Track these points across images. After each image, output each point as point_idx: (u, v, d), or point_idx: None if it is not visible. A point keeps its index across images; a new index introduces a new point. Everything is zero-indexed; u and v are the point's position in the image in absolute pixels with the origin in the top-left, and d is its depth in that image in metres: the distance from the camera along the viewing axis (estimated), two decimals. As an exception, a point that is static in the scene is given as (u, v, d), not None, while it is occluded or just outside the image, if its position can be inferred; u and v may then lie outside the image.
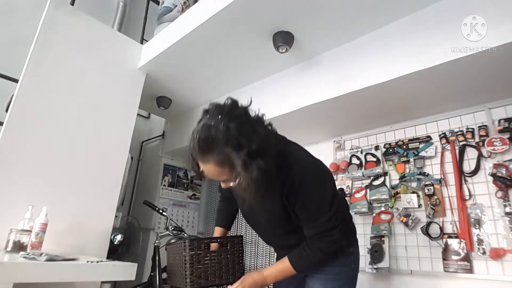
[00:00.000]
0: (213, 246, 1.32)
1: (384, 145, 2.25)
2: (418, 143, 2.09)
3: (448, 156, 1.95)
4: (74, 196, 1.89)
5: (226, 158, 0.91)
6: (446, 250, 1.80)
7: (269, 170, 0.93)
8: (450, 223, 1.83)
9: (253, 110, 1.02)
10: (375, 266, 2.00)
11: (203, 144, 0.92)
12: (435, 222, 1.88)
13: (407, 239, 1.98)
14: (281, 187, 1.04)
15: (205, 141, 0.91)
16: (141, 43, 2.64)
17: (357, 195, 2.27)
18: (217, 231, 1.44)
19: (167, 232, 2.26)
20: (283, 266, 1.12)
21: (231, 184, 0.99)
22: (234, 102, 0.99)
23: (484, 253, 1.67)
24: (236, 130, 0.90)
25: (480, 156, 1.83)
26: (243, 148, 0.90)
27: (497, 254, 1.63)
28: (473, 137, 1.88)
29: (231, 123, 0.91)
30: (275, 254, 1.48)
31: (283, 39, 1.89)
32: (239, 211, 1.37)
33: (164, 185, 3.32)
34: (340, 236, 1.09)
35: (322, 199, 1.06)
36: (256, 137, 0.92)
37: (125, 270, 1.28)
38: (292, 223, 1.12)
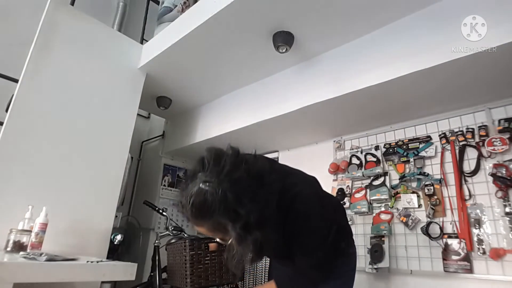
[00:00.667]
0: (213, 246, 1.32)
1: (384, 145, 2.25)
2: (418, 143, 2.09)
3: (448, 156, 1.95)
4: (74, 196, 1.89)
5: (221, 226, 0.84)
6: (446, 250, 1.80)
7: (267, 240, 0.86)
8: (450, 223, 1.83)
9: (258, 159, 0.92)
10: (375, 266, 2.00)
11: (197, 211, 0.83)
12: (435, 222, 1.88)
13: (407, 239, 1.98)
14: (282, 220, 0.99)
15: (200, 208, 0.82)
16: (141, 43, 2.64)
17: (357, 195, 2.27)
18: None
19: (167, 232, 2.26)
20: None
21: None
22: (236, 159, 0.86)
23: (484, 253, 1.67)
24: (234, 199, 0.80)
25: (480, 156, 1.83)
26: (239, 220, 0.81)
27: (497, 254, 1.63)
28: (473, 137, 1.88)
29: (229, 189, 0.80)
30: None
31: (283, 39, 1.89)
32: None
33: (164, 185, 3.31)
34: (329, 268, 1.08)
35: (318, 235, 1.03)
36: (256, 206, 0.82)
37: (125, 270, 1.28)
38: (286, 252, 1.09)
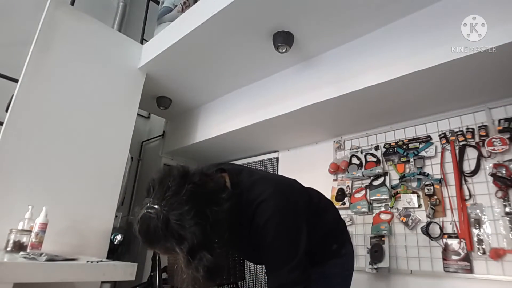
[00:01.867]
0: None
1: (384, 145, 2.25)
2: (418, 143, 2.09)
3: (448, 156, 1.95)
4: (74, 196, 1.89)
5: (171, 249, 0.83)
6: (446, 250, 1.80)
7: (216, 264, 0.82)
8: (450, 223, 1.83)
9: (206, 173, 0.90)
10: (375, 266, 2.00)
11: (143, 237, 0.83)
12: (435, 222, 1.88)
13: (407, 239, 1.98)
14: (248, 228, 0.96)
15: (145, 235, 0.82)
16: (141, 43, 2.64)
17: (357, 195, 2.27)
18: None
19: (167, 232, 2.25)
20: None
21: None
22: (181, 180, 0.84)
23: (484, 253, 1.67)
24: (177, 222, 0.78)
25: (480, 156, 1.83)
26: (184, 244, 0.79)
27: (497, 254, 1.63)
28: (473, 137, 1.88)
29: (171, 213, 0.79)
30: None
31: (283, 39, 1.89)
32: None
33: (164, 185, 3.31)
34: (304, 284, 0.95)
35: (285, 247, 0.94)
36: (201, 229, 0.79)
37: (125, 270, 1.28)
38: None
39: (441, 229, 1.85)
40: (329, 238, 1.18)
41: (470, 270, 1.69)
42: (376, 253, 2.03)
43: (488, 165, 1.78)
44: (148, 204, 0.81)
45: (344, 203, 2.29)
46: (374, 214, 2.16)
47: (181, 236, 0.79)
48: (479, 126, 1.87)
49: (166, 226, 0.78)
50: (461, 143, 1.91)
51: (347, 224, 2.24)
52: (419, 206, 1.98)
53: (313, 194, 1.23)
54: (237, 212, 0.91)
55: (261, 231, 0.93)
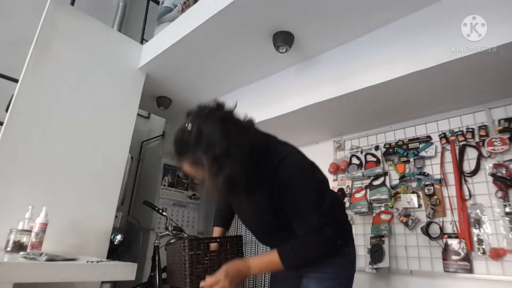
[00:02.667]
0: (213, 246, 1.32)
1: (384, 145, 2.25)
2: (418, 143, 2.09)
3: (448, 156, 1.95)
4: (74, 196, 1.89)
5: (197, 159, 0.95)
6: (446, 250, 1.80)
7: (238, 174, 0.94)
8: (450, 223, 1.83)
9: (238, 114, 1.04)
10: (375, 266, 2.00)
11: (177, 147, 0.98)
12: (435, 222, 1.88)
13: (407, 239, 1.98)
14: (271, 185, 1.03)
15: (179, 143, 0.98)
16: (141, 43, 2.64)
17: (357, 195, 2.27)
18: (216, 231, 1.44)
19: (167, 232, 2.26)
20: (271, 259, 1.06)
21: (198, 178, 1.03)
22: (216, 106, 1.01)
23: (484, 253, 1.67)
24: (207, 133, 0.93)
25: (480, 156, 1.83)
26: (211, 151, 0.92)
27: (497, 254, 1.63)
28: (473, 137, 1.88)
29: (204, 126, 0.94)
30: None
31: (283, 39, 1.89)
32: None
33: (164, 185, 3.32)
34: (334, 235, 1.05)
35: (313, 195, 1.05)
36: (226, 141, 0.92)
37: (125, 270, 1.28)
38: (281, 222, 1.10)
39: (441, 229, 1.85)
40: (336, 230, 1.13)
41: (470, 270, 1.69)
42: (376, 253, 2.03)
43: (488, 165, 1.78)
44: (186, 120, 0.98)
45: (344, 203, 2.29)
46: (374, 214, 2.16)
47: (209, 144, 0.92)
48: (479, 126, 1.87)
49: (198, 135, 0.93)
50: (461, 143, 1.91)
51: (347, 224, 2.25)
52: (419, 206, 1.98)
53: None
54: (258, 157, 1.01)
55: (286, 184, 1.00)
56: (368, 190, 2.23)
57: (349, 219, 1.33)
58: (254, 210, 1.16)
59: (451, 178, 1.90)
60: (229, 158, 0.92)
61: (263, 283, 2.73)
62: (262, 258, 1.11)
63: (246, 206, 1.19)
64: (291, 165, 1.04)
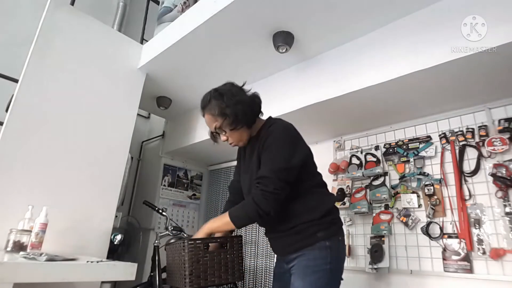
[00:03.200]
0: (213, 246, 1.32)
1: (384, 145, 2.25)
2: (418, 143, 2.09)
3: (448, 156, 1.95)
4: (74, 196, 1.89)
5: (214, 106, 1.30)
6: (446, 250, 1.80)
7: (242, 114, 1.28)
8: (450, 223, 1.83)
9: (244, 89, 1.37)
10: (375, 266, 2.00)
11: (202, 102, 1.35)
12: (435, 222, 1.88)
13: (407, 239, 1.98)
14: (259, 145, 1.28)
15: (203, 100, 1.35)
16: (141, 43, 2.64)
17: (357, 195, 2.27)
18: None
19: (167, 232, 2.26)
20: (224, 216, 1.24)
21: (223, 136, 1.34)
22: (231, 84, 1.39)
23: (484, 253, 1.67)
24: (220, 92, 1.32)
25: (480, 156, 1.83)
26: (223, 99, 1.29)
27: (497, 254, 1.63)
28: (473, 137, 1.88)
29: (220, 89, 1.34)
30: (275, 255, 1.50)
31: (283, 39, 1.89)
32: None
33: (164, 185, 3.32)
34: (275, 197, 1.17)
35: (282, 151, 1.22)
36: (234, 97, 1.30)
37: (125, 270, 1.28)
38: None
39: (441, 229, 1.85)
40: (316, 223, 1.25)
41: (470, 270, 1.69)
42: (376, 253, 2.03)
43: (488, 165, 1.78)
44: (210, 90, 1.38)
45: (344, 203, 2.29)
46: (374, 214, 2.16)
47: (222, 96, 1.30)
48: (479, 126, 1.87)
49: (214, 93, 1.33)
50: (461, 143, 1.91)
51: (347, 223, 2.25)
52: (419, 206, 1.98)
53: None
54: (256, 113, 1.37)
55: (267, 137, 1.25)
56: (368, 190, 2.23)
57: (336, 218, 1.34)
58: (250, 174, 1.32)
59: (451, 178, 1.90)
60: (236, 103, 1.28)
61: (263, 283, 2.73)
62: (220, 217, 1.28)
63: (246, 175, 1.38)
64: (279, 124, 1.32)
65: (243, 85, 1.39)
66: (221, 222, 1.25)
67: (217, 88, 1.37)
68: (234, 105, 1.28)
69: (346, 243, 2.21)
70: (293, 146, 1.27)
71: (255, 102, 1.35)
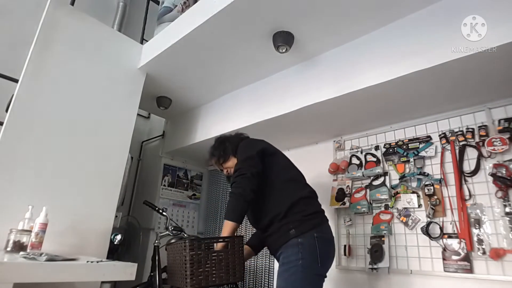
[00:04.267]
0: (219, 246, 1.33)
1: (384, 145, 2.25)
2: (418, 143, 2.09)
3: (448, 156, 1.95)
4: (74, 196, 1.89)
5: (218, 154, 1.72)
6: (446, 250, 1.80)
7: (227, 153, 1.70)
8: (450, 223, 1.83)
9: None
10: (375, 266, 2.00)
11: (209, 154, 1.79)
12: (435, 222, 1.88)
13: (407, 239, 1.98)
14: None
15: (209, 152, 1.79)
16: (141, 43, 2.64)
17: (357, 195, 2.27)
18: (245, 248, 1.60)
19: (167, 232, 2.25)
20: (225, 222, 1.39)
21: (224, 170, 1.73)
22: (221, 136, 1.85)
23: (484, 253, 1.67)
24: (214, 146, 1.78)
25: (480, 156, 1.83)
26: (221, 151, 1.72)
27: (497, 254, 1.63)
28: (473, 137, 1.88)
29: (224, 138, 1.80)
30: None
31: (283, 39, 1.89)
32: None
33: (164, 185, 3.32)
34: (244, 179, 1.40)
35: (244, 152, 1.56)
36: (223, 146, 1.74)
37: (125, 270, 1.28)
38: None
39: (441, 229, 1.85)
40: (290, 215, 1.38)
41: (470, 270, 1.69)
42: (376, 253, 2.03)
43: (488, 165, 1.78)
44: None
45: (344, 203, 2.29)
46: (374, 214, 2.16)
47: (215, 149, 1.75)
48: (479, 126, 1.87)
49: (213, 147, 1.76)
50: (461, 143, 1.91)
51: (347, 223, 2.25)
52: (419, 206, 1.98)
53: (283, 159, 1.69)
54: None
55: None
56: (368, 190, 2.23)
57: (309, 213, 1.41)
58: None
59: (451, 178, 1.91)
60: (226, 153, 1.71)
61: (262, 283, 2.73)
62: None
63: None
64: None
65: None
66: (224, 227, 1.37)
67: (222, 139, 1.82)
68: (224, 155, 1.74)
69: (346, 243, 2.21)
70: (251, 146, 1.60)
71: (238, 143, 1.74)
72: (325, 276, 1.38)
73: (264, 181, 1.46)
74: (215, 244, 1.33)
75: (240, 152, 1.59)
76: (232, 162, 1.65)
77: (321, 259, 1.32)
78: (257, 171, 1.43)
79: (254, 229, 1.68)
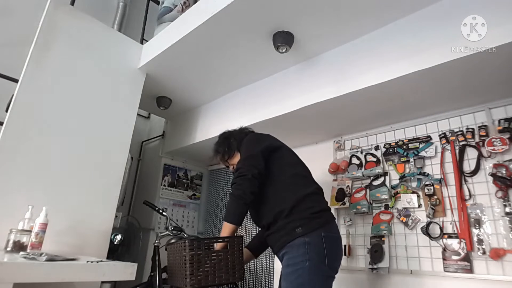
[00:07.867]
0: (219, 246, 1.33)
1: (384, 145, 2.25)
2: (418, 143, 2.09)
3: (448, 156, 1.95)
4: (74, 196, 1.89)
5: (223, 149, 1.69)
6: (446, 250, 1.80)
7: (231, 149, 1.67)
8: (450, 223, 1.83)
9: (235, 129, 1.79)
10: (375, 266, 2.00)
11: (213, 151, 1.76)
12: (435, 222, 1.88)
13: (407, 239, 1.98)
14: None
15: (213, 149, 1.76)
16: (141, 43, 2.64)
17: (357, 195, 2.27)
18: (245, 251, 1.58)
19: (167, 232, 2.25)
20: (223, 223, 1.38)
21: (230, 166, 1.71)
22: (225, 131, 1.81)
23: (484, 253, 1.67)
24: (218, 142, 1.76)
25: (480, 156, 1.83)
26: (225, 148, 1.70)
27: (497, 254, 1.63)
28: (473, 137, 1.88)
29: (227, 134, 1.76)
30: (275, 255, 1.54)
31: (283, 39, 1.89)
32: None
33: (164, 185, 3.32)
34: (245, 181, 1.36)
35: (246, 149, 1.53)
36: (232, 145, 1.68)
37: (125, 270, 1.28)
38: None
39: (441, 229, 1.85)
40: (295, 213, 1.33)
41: (470, 270, 1.70)
42: (376, 253, 2.03)
43: (488, 165, 1.78)
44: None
45: (344, 203, 2.29)
46: (374, 214, 2.16)
47: (219, 145, 1.74)
48: (479, 126, 1.87)
49: (217, 144, 1.74)
50: (461, 143, 1.91)
51: (347, 223, 2.25)
52: (419, 206, 1.98)
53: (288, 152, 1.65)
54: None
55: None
56: (368, 190, 2.23)
57: (316, 211, 1.37)
58: None
59: (451, 178, 1.91)
60: (230, 148, 1.68)
61: (262, 283, 2.73)
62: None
63: None
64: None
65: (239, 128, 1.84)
66: (223, 229, 1.36)
67: (227, 135, 1.80)
68: (228, 151, 1.72)
69: (346, 243, 2.21)
70: (254, 143, 1.54)
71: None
72: (334, 277, 1.32)
73: (268, 177, 1.41)
74: (215, 244, 1.33)
75: (243, 149, 1.55)
76: (237, 158, 1.59)
77: (329, 259, 1.26)
78: (258, 172, 1.38)
79: (256, 227, 1.69)
